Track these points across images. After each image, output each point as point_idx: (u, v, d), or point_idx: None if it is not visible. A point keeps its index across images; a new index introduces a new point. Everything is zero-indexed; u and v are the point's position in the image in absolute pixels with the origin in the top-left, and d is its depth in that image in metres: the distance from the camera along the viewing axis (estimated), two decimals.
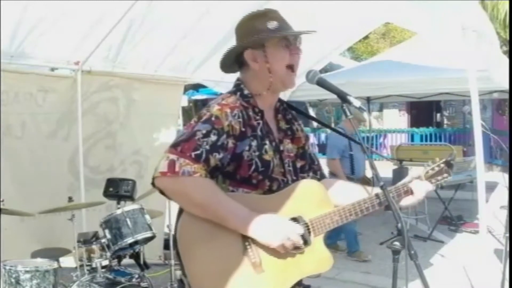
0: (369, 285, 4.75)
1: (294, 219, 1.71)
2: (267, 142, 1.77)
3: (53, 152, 4.58)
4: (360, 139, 1.90)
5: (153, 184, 1.64)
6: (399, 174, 7.24)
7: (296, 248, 1.65)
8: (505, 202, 5.07)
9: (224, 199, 1.62)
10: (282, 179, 1.79)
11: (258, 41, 1.76)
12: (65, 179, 4.67)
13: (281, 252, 1.64)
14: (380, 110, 17.36)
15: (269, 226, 1.62)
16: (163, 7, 3.85)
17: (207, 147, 1.62)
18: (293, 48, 1.78)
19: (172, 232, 3.18)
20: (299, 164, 1.91)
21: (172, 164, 1.58)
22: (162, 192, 1.65)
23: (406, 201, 1.83)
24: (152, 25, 4.11)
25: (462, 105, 7.92)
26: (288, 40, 1.78)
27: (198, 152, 1.61)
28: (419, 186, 1.81)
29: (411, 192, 1.82)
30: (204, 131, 1.64)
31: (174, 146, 1.63)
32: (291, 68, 1.79)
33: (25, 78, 4.36)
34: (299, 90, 5.67)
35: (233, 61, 1.86)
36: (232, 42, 1.88)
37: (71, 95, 4.62)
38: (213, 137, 1.64)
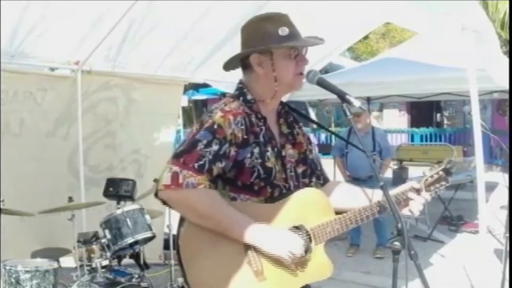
0: (369, 285, 4.75)
1: (296, 228, 1.71)
2: (269, 148, 1.76)
3: (53, 151, 4.58)
4: (360, 139, 1.89)
5: (156, 195, 1.63)
6: (399, 174, 7.27)
7: (297, 259, 1.65)
8: (505, 202, 5.07)
9: (227, 210, 1.62)
10: (284, 185, 1.78)
11: (268, 48, 1.73)
12: (65, 178, 4.68)
13: (282, 262, 1.65)
14: (380, 110, 17.37)
15: (272, 237, 1.62)
16: (163, 7, 3.85)
17: (210, 157, 1.61)
18: (300, 59, 1.76)
19: (173, 232, 3.17)
20: (300, 169, 1.89)
21: (175, 176, 1.57)
22: (164, 203, 1.64)
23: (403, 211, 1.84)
24: (152, 25, 4.11)
25: (462, 105, 7.93)
26: (297, 50, 1.75)
27: (201, 162, 1.60)
28: (415, 202, 1.82)
29: (408, 204, 1.83)
30: (205, 141, 1.62)
31: (177, 157, 1.61)
32: (301, 74, 1.78)
33: (25, 77, 4.37)
34: (299, 90, 5.67)
35: (237, 61, 1.83)
36: (232, 42, 1.88)
37: (71, 94, 4.62)
38: (215, 147, 1.62)
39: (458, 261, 5.13)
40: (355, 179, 5.54)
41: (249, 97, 1.78)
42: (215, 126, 1.65)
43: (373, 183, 1.90)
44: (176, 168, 1.58)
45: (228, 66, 1.88)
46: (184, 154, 1.61)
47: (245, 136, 1.70)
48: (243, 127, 1.70)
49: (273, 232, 1.64)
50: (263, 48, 1.72)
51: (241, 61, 1.82)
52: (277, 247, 1.62)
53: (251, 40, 1.76)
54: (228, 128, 1.66)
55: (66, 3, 3.51)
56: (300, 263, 1.67)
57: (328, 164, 6.42)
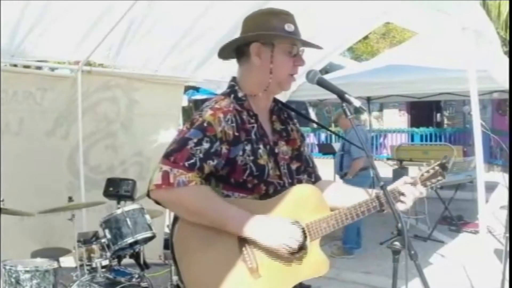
0: (369, 285, 4.75)
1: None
2: (261, 146, 1.75)
3: (52, 151, 4.58)
4: (360, 139, 1.89)
5: (148, 196, 1.62)
6: (399, 174, 7.26)
7: (293, 252, 1.64)
8: (505, 202, 5.07)
9: (220, 203, 1.61)
10: (278, 182, 1.77)
11: (271, 38, 1.72)
12: (65, 178, 4.68)
13: (278, 256, 1.64)
14: (380, 110, 17.37)
15: (268, 229, 1.61)
16: (163, 6, 3.85)
17: (201, 155, 1.61)
18: (297, 59, 1.76)
19: None
20: (294, 166, 1.88)
21: (166, 175, 1.57)
22: (157, 203, 1.64)
23: (397, 206, 1.83)
24: (152, 25, 4.11)
25: (462, 105, 7.92)
26: (297, 49, 1.76)
27: (191, 161, 1.59)
28: (409, 192, 1.79)
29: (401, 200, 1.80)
30: (195, 140, 1.62)
31: (167, 156, 1.60)
32: (292, 75, 1.79)
33: (25, 77, 4.37)
34: (299, 90, 5.69)
35: (232, 50, 1.82)
36: None
37: (71, 94, 4.62)
38: (205, 145, 1.62)
39: (458, 261, 5.13)
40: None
41: (240, 94, 1.78)
42: (205, 124, 1.64)
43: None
44: (166, 168, 1.58)
45: (224, 52, 1.86)
46: (174, 153, 1.60)
47: (236, 134, 1.69)
48: (233, 124, 1.69)
49: (269, 223, 1.63)
50: (270, 34, 1.71)
51: (237, 49, 1.80)
52: (272, 238, 1.60)
53: (254, 29, 1.75)
54: (218, 126, 1.65)
55: (66, 3, 3.51)
56: (297, 257, 1.66)
57: (328, 164, 6.46)
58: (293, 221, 1.71)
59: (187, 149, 1.60)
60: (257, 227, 1.60)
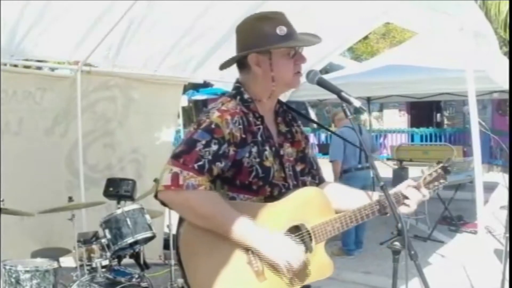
0: (369, 285, 4.75)
1: (296, 227, 1.71)
2: (267, 147, 1.76)
3: (51, 149, 4.58)
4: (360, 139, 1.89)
5: (155, 196, 1.62)
6: (399, 174, 7.27)
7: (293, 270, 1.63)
8: (505, 202, 5.07)
9: (228, 211, 1.60)
10: (283, 184, 1.78)
11: (267, 48, 1.71)
12: (63, 176, 4.68)
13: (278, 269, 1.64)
14: (380, 110, 17.37)
15: (273, 243, 1.61)
16: (162, 6, 3.86)
17: (209, 157, 1.60)
18: (298, 58, 1.75)
19: (173, 232, 3.17)
20: (299, 167, 1.89)
21: (175, 177, 1.56)
22: (164, 204, 1.63)
23: (401, 209, 1.82)
24: (152, 25, 4.11)
25: (462, 105, 7.92)
26: (295, 48, 1.74)
27: (200, 163, 1.59)
28: (413, 196, 1.80)
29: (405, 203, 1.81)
30: (204, 141, 1.61)
31: (176, 157, 1.60)
32: (298, 72, 1.78)
33: (24, 77, 4.37)
34: (299, 90, 5.65)
35: (233, 60, 1.82)
36: (232, 40, 1.87)
37: (70, 93, 4.63)
38: (214, 147, 1.62)
39: (458, 261, 5.13)
40: None
41: (246, 96, 1.77)
42: (213, 126, 1.64)
43: None
44: (176, 169, 1.57)
45: (224, 65, 1.86)
46: (183, 155, 1.60)
47: (243, 136, 1.69)
48: (240, 126, 1.69)
49: (274, 238, 1.62)
50: (263, 49, 1.71)
51: (237, 61, 1.81)
52: (276, 254, 1.60)
53: (248, 40, 1.74)
54: (226, 127, 1.65)
55: (66, 3, 3.51)
56: (297, 272, 1.65)
57: (328, 164, 6.45)
58: (299, 223, 1.70)
59: (196, 151, 1.60)
60: (262, 240, 1.60)
